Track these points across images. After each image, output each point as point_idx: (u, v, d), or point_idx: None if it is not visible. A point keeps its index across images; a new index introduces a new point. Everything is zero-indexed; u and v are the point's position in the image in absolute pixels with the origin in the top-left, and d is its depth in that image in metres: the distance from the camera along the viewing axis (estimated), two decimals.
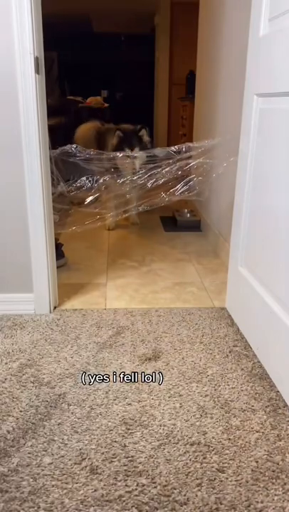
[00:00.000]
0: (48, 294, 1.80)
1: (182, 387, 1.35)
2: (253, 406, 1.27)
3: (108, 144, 2.86)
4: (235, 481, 1.02)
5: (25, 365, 1.46)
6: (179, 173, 2.11)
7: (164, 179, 2.16)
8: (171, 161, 2.12)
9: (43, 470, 1.04)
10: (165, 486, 1.00)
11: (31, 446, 1.11)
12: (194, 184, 2.12)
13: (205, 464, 1.06)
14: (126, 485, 1.00)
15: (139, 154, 2.60)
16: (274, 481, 1.02)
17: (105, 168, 2.39)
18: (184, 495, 0.98)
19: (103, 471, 1.04)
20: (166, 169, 2.11)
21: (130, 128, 2.86)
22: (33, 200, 1.67)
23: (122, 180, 2.20)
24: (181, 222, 3.12)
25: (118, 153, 2.54)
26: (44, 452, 1.10)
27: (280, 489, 1.00)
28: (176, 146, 2.15)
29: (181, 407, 1.26)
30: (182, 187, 2.14)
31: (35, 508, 0.95)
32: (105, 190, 2.22)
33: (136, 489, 0.99)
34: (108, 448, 1.11)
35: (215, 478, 1.02)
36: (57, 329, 1.69)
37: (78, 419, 1.21)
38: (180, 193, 2.13)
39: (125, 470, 1.04)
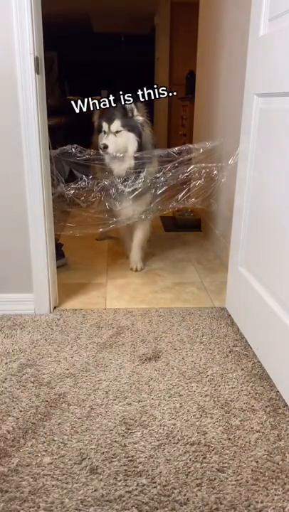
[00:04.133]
0: (47, 294, 1.80)
1: (182, 387, 1.35)
2: (253, 406, 1.27)
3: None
4: (235, 481, 1.02)
5: (25, 365, 1.46)
6: (183, 177, 2.07)
7: (167, 187, 2.10)
8: (171, 165, 2.07)
9: (43, 470, 1.04)
10: (165, 486, 1.00)
11: (31, 446, 1.11)
12: (198, 190, 2.08)
13: (205, 464, 1.06)
14: (126, 485, 1.00)
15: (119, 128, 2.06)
16: (274, 481, 1.02)
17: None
18: (184, 495, 0.98)
19: (103, 471, 1.04)
20: (169, 175, 2.06)
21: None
22: (33, 200, 1.67)
23: (122, 188, 2.09)
24: (181, 222, 3.12)
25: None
26: (44, 452, 1.10)
27: (280, 489, 1.00)
28: (176, 148, 2.10)
29: (181, 407, 1.26)
30: (186, 194, 2.09)
31: (35, 508, 0.95)
32: (105, 193, 2.12)
33: (136, 489, 0.99)
34: (108, 448, 1.11)
35: (215, 478, 1.02)
36: (57, 329, 1.69)
37: (78, 419, 1.21)
38: (183, 201, 2.09)
39: (125, 470, 1.04)
